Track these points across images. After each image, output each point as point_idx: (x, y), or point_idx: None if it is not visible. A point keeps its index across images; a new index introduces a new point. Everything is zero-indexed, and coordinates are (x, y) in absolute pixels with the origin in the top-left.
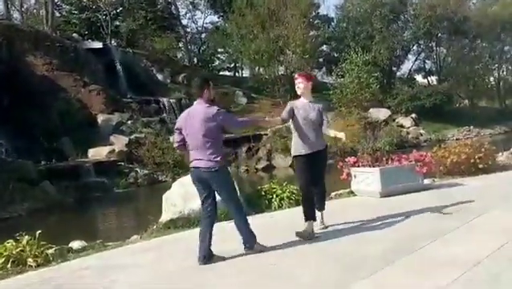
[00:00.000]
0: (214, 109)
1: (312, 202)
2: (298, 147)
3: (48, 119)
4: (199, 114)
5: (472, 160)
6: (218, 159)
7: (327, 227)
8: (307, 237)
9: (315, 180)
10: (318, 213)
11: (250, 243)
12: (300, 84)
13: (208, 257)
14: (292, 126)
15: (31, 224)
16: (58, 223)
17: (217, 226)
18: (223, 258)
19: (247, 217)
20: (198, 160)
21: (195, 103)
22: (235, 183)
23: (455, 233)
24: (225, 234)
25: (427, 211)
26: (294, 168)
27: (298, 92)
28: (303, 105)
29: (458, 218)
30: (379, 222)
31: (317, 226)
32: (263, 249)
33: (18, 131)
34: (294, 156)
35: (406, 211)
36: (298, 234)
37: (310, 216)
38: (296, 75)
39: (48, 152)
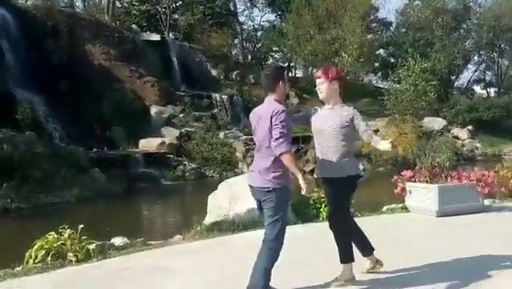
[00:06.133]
0: (273, 107)
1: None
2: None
3: (102, 107)
4: (262, 113)
5: None
6: (276, 176)
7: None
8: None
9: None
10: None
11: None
12: (321, 85)
13: None
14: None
15: (78, 211)
16: (104, 212)
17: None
18: None
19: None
20: (253, 174)
21: (265, 100)
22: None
23: None
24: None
25: (488, 237)
26: None
27: (320, 97)
28: (322, 113)
29: None
30: (435, 246)
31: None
32: None
33: (72, 117)
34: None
35: (465, 235)
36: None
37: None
38: (317, 73)
39: (100, 140)
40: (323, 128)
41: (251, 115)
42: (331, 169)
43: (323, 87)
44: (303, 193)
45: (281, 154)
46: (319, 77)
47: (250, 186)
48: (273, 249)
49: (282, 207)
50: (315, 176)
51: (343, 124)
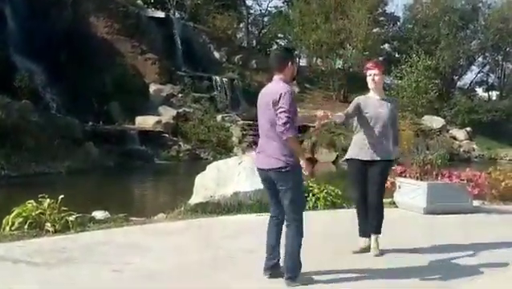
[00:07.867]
0: (280, 88)
1: (362, 217)
2: (355, 149)
3: (101, 81)
4: (270, 93)
5: None
6: (289, 155)
7: (381, 254)
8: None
9: (368, 195)
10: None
11: (293, 273)
12: (376, 77)
13: (273, 271)
14: (355, 125)
15: (68, 182)
16: (92, 186)
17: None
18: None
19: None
20: (262, 156)
21: (273, 80)
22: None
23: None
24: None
25: (475, 239)
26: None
27: (371, 86)
28: (373, 102)
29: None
30: (420, 244)
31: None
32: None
33: (70, 89)
34: (349, 159)
35: (452, 235)
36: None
37: (360, 232)
38: (370, 64)
39: (97, 114)
40: (378, 115)
41: (259, 96)
42: (380, 152)
43: (378, 78)
44: (306, 174)
45: (287, 138)
46: (374, 68)
47: (261, 169)
48: (298, 225)
49: (300, 183)
50: (359, 156)
51: (392, 112)
